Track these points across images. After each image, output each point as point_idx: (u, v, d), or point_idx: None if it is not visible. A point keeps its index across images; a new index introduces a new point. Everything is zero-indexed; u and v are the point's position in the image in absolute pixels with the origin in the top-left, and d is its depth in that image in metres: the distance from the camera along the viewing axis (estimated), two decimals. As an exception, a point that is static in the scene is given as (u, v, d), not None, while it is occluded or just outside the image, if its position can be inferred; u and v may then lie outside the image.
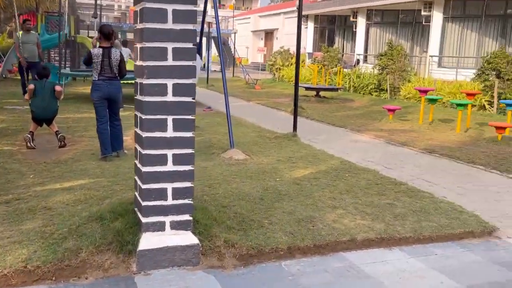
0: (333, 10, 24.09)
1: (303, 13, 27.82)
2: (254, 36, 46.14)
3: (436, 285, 3.64)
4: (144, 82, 3.54)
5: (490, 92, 13.57)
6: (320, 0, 26.68)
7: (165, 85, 3.56)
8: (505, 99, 12.59)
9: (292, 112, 13.71)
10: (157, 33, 3.49)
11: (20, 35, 12.57)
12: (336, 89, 17.59)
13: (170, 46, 3.53)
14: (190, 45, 3.59)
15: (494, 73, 13.47)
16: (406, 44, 21.43)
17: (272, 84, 24.00)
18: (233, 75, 30.07)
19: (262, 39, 44.56)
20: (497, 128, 9.35)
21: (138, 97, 3.70)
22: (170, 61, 3.54)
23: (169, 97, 3.58)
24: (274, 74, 26.51)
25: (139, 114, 3.71)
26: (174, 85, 3.57)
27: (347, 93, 18.94)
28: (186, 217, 3.78)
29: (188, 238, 3.76)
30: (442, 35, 19.12)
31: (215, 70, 38.65)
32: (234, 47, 32.56)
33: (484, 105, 13.67)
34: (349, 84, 19.60)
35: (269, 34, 43.84)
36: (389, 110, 12.05)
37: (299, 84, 18.33)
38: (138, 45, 3.64)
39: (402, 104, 15.07)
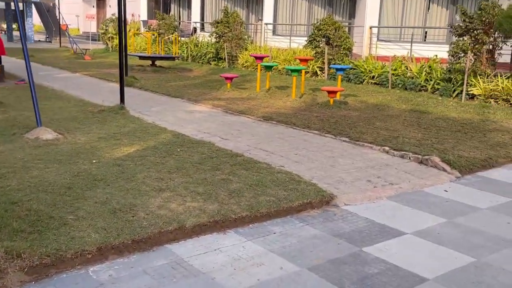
0: (166, -25, 22.89)
1: (135, -23, 26.01)
2: (84, 4, 42.33)
3: (275, 271, 3.16)
4: None
5: (321, 59, 14.00)
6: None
7: None
8: (334, 64, 13.08)
9: (125, 82, 12.54)
10: None
11: None
12: (173, 58, 16.69)
13: None
14: None
15: (324, 39, 13.90)
16: (242, 12, 21.31)
17: (104, 55, 22.10)
18: (60, 45, 27.13)
19: (93, 6, 41.09)
20: (329, 92, 9.50)
21: None
22: None
23: None
24: (107, 44, 24.50)
25: None
26: None
27: (186, 63, 18.18)
28: None
29: None
30: (275, 3, 19.35)
31: (39, 40, 34.57)
32: (59, 14, 29.35)
33: (316, 71, 14.09)
34: (187, 53, 18.84)
35: (101, 2, 40.60)
36: (227, 78, 11.62)
37: (133, 54, 17.05)
38: None
39: (240, 73, 14.83)
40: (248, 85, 12.38)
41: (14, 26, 44.86)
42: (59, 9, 29.61)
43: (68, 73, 14.56)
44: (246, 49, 17.00)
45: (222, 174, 4.75)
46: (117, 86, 11.90)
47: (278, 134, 6.97)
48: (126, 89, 11.44)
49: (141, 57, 15.96)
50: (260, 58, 11.55)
